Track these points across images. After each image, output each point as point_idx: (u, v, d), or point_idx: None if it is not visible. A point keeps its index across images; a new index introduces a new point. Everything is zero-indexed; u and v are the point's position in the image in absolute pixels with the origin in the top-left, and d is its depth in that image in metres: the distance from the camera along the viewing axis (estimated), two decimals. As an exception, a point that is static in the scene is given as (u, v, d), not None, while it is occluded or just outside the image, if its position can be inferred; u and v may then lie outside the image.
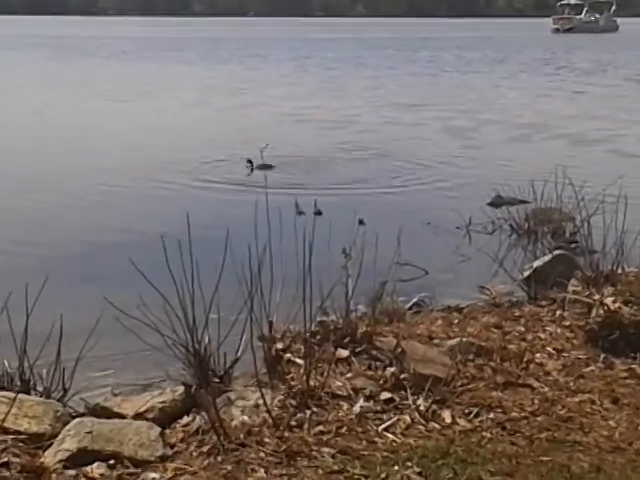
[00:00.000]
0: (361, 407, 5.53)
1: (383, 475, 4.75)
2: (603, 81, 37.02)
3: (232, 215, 11.23)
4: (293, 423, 5.29)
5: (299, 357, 6.11)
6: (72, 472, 4.77)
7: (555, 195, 10.53)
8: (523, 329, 7.09)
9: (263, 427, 5.24)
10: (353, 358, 6.15)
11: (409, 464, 4.85)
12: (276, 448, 5.02)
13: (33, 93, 30.37)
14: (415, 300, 8.21)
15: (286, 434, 5.17)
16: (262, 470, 4.82)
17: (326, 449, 5.04)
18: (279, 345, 6.24)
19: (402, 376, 5.84)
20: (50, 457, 4.89)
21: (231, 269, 5.95)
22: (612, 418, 5.56)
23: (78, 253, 10.23)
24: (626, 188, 8.96)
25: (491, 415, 5.54)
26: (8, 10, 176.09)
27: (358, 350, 6.23)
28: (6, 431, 4.98)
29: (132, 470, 4.83)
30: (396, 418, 5.44)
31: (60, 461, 4.84)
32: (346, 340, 6.30)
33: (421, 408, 5.52)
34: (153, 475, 4.79)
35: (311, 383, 5.64)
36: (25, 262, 9.57)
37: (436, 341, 6.67)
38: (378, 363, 6.10)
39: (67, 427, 5.13)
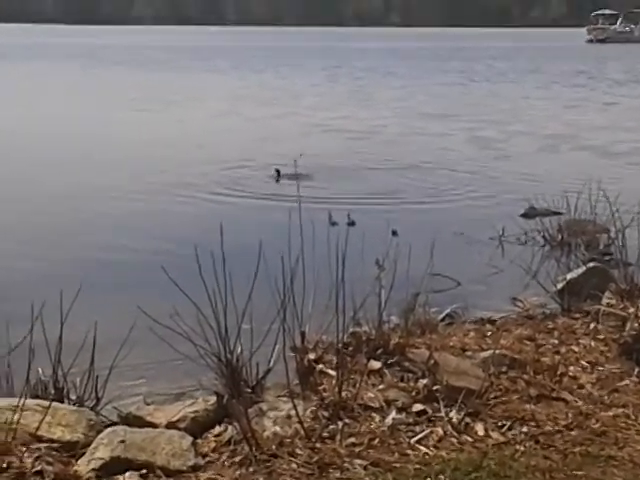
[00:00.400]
0: (393, 419, 5.51)
1: (415, 488, 4.74)
2: (635, 92, 36.79)
3: (264, 225, 11.26)
4: (325, 434, 5.28)
5: (331, 368, 6.10)
6: (105, 481, 4.78)
7: (589, 207, 10.46)
8: (557, 342, 7.03)
9: (295, 438, 5.23)
10: (385, 370, 6.13)
11: (441, 477, 4.83)
12: (308, 459, 5.01)
13: (55, 102, 30.63)
14: (447, 311, 8.18)
15: (318, 445, 5.16)
16: (294, 481, 4.82)
17: (358, 461, 5.02)
18: (311, 356, 6.23)
19: (435, 388, 5.81)
20: (83, 466, 4.90)
21: (264, 279, 5.95)
22: (647, 432, 5.51)
23: (111, 262, 10.28)
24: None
25: (524, 428, 5.50)
26: (42, 19, 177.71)
27: (390, 362, 6.21)
28: (40, 439, 5.00)
29: (164, 480, 4.84)
30: (429, 430, 5.41)
31: (93, 470, 4.85)
32: (379, 351, 6.29)
33: (454, 420, 5.49)
34: (185, 485, 4.80)
35: (343, 394, 5.63)
36: (59, 271, 9.64)
37: (469, 353, 6.64)
38: (410, 375, 6.08)
39: (100, 436, 5.15)
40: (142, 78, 43.93)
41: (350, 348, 6.33)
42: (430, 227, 11.29)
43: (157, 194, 14.25)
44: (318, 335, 6.43)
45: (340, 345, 6.01)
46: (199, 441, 5.32)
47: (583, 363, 6.58)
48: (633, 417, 5.69)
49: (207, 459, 5.12)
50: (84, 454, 5.01)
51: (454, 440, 5.32)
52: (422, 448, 5.21)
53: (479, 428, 5.47)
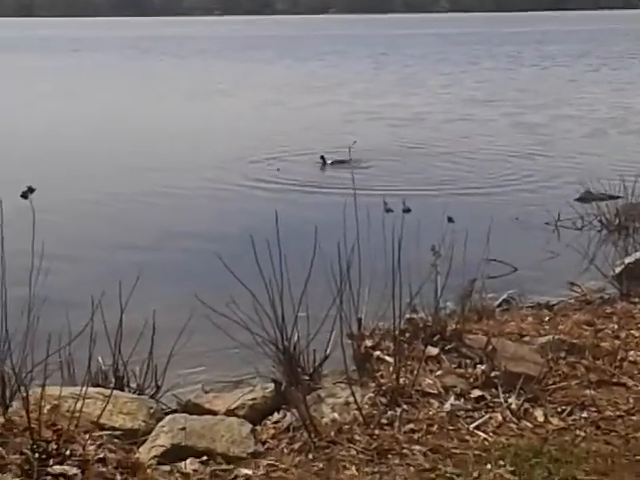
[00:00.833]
0: (452, 405, 5.49)
1: (475, 474, 4.71)
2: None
3: (318, 212, 11.29)
4: (384, 421, 5.29)
5: (388, 355, 6.10)
6: (166, 468, 4.83)
7: (646, 191, 10.34)
8: (616, 326, 6.96)
9: (354, 425, 5.24)
10: (443, 356, 6.11)
11: (502, 463, 4.80)
12: (367, 446, 5.01)
13: (105, 93, 30.90)
14: (504, 297, 8.13)
15: (377, 432, 5.17)
16: (353, 467, 4.83)
17: (417, 447, 5.02)
18: (368, 342, 6.23)
19: (493, 374, 5.78)
20: (145, 453, 4.96)
21: (320, 266, 5.95)
22: None
23: (168, 252, 10.37)
24: None
25: (584, 414, 5.46)
26: (93, 13, 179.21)
27: (448, 348, 6.19)
28: (102, 427, 5.06)
29: (225, 467, 4.87)
30: (487, 416, 5.39)
31: (154, 457, 4.90)
32: (435, 338, 6.27)
33: (513, 406, 5.46)
34: (245, 471, 4.83)
35: (401, 381, 5.62)
36: (117, 261, 9.74)
37: (526, 339, 6.60)
38: (468, 361, 6.06)
39: (161, 423, 5.20)
40: (188, 68, 44.19)
41: (407, 335, 6.31)
42: (485, 213, 11.19)
43: (210, 184, 14.34)
44: (375, 322, 6.42)
45: (397, 332, 6.00)
46: (258, 428, 5.35)
47: (643, 348, 6.50)
48: (695, 402, 5.62)
49: (266, 446, 5.15)
50: (145, 442, 5.07)
51: (513, 426, 5.30)
52: (481, 434, 5.19)
53: (538, 414, 5.43)
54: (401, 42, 69.70)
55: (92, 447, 4.82)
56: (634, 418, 5.39)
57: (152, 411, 5.45)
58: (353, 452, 4.96)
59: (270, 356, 5.89)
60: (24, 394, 4.92)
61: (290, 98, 28.06)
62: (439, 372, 5.92)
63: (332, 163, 15.48)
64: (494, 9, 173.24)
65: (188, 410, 5.55)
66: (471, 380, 5.81)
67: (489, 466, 4.78)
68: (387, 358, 6.08)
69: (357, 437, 5.11)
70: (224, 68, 44.17)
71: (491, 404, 5.54)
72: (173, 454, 4.93)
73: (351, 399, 5.41)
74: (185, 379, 6.42)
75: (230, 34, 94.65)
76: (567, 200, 12.02)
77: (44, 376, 5.03)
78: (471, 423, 5.31)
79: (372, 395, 5.57)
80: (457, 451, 4.98)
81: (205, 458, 4.93)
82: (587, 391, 5.72)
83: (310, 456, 4.96)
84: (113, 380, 5.85)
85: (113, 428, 5.15)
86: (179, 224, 11.77)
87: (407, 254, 6.09)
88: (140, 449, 5.01)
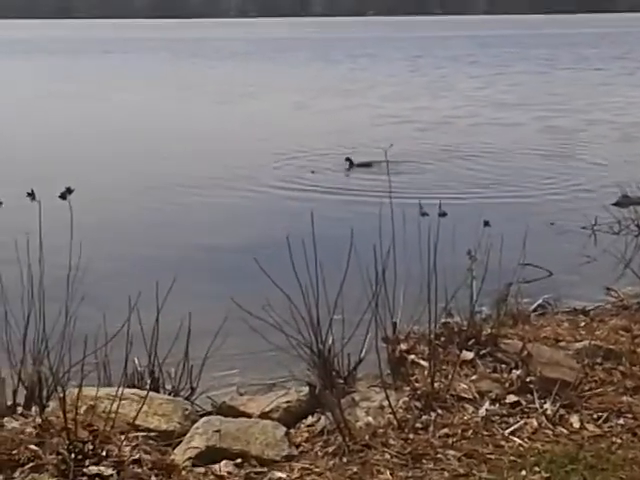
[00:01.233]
0: (487, 410, 5.47)
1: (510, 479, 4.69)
2: None
3: (353, 215, 11.28)
4: (418, 425, 5.28)
5: (423, 359, 6.08)
6: (201, 470, 4.85)
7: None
8: (653, 332, 6.90)
9: (388, 429, 5.24)
10: (478, 360, 6.09)
11: (537, 469, 4.78)
12: (401, 450, 5.00)
13: (130, 96, 31.09)
14: (540, 302, 8.08)
15: (411, 436, 5.16)
16: (388, 472, 4.82)
17: (452, 452, 5.00)
18: (403, 346, 6.22)
19: (528, 379, 5.75)
20: (180, 455, 4.98)
21: (355, 269, 5.95)
22: None
23: (204, 254, 10.41)
24: None
25: (621, 420, 5.41)
26: (131, 14, 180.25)
27: (483, 352, 6.17)
28: (137, 428, 5.08)
29: (259, 469, 4.89)
30: (523, 422, 5.36)
31: (189, 459, 4.93)
32: (471, 342, 6.24)
33: (548, 412, 5.43)
34: (280, 475, 4.84)
35: (436, 385, 5.60)
36: (154, 263, 9.80)
37: (562, 344, 6.56)
38: (503, 366, 6.03)
39: (195, 425, 5.23)
40: (219, 71, 44.42)
41: (442, 339, 6.30)
42: (521, 217, 11.17)
43: (242, 185, 14.40)
44: (410, 326, 6.41)
45: (432, 336, 5.99)
46: (292, 431, 5.36)
47: (681, 354, 6.43)
48: None
49: (300, 449, 5.16)
50: (180, 443, 5.10)
51: (549, 432, 5.26)
52: (516, 440, 5.16)
53: (574, 420, 5.39)
54: (436, 44, 69.49)
55: (127, 448, 4.85)
56: (671, 426, 5.34)
57: (187, 413, 5.47)
58: (387, 456, 4.95)
59: (305, 359, 5.89)
60: (61, 394, 4.95)
61: (319, 101, 28.10)
62: (474, 377, 5.89)
63: (358, 165, 15.56)
64: (531, 12, 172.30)
65: (223, 412, 5.57)
66: (506, 385, 5.78)
67: (524, 472, 4.75)
68: (422, 362, 6.07)
69: (391, 441, 5.10)
70: (255, 71, 44.28)
71: (526, 410, 5.51)
72: (208, 456, 4.95)
73: (385, 403, 5.41)
74: (220, 381, 6.44)
75: (264, 36, 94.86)
76: (603, 204, 11.93)
77: (81, 377, 5.08)
78: (506, 428, 5.29)
79: (406, 399, 5.56)
80: (492, 457, 4.95)
81: (239, 461, 4.94)
82: (624, 397, 5.67)
83: (344, 460, 4.95)
84: (149, 381, 5.87)
85: (148, 429, 5.18)
86: (214, 228, 11.82)
87: (443, 258, 6.08)
88: (175, 451, 5.04)
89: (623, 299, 8.03)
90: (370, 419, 5.37)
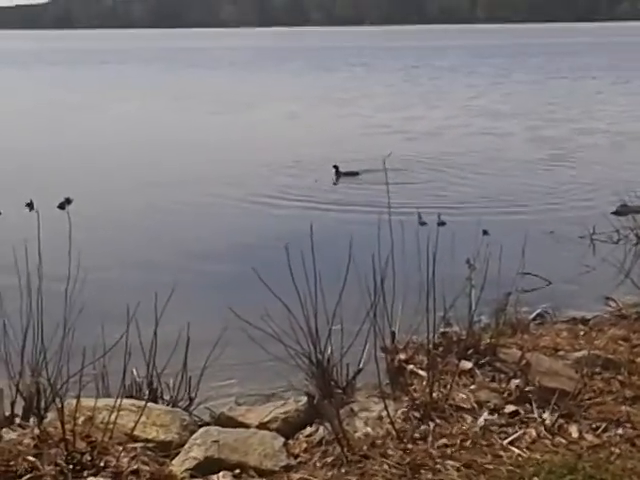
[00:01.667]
0: (485, 420, 5.46)
1: (509, 490, 4.69)
2: None
3: (351, 226, 11.25)
4: (417, 435, 5.27)
5: (422, 369, 6.08)
6: (199, 480, 4.84)
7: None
8: (652, 342, 6.89)
9: (387, 439, 5.22)
10: (477, 370, 6.08)
11: (535, 479, 4.76)
12: (400, 460, 4.99)
13: (124, 107, 31.12)
14: (539, 311, 8.09)
15: (410, 446, 5.14)
16: (386, 482, 4.81)
17: (450, 462, 4.99)
18: (402, 356, 6.22)
19: (527, 389, 5.75)
20: (178, 465, 4.97)
21: (354, 280, 5.94)
22: None
23: (202, 265, 10.39)
24: None
25: (620, 430, 5.40)
26: (131, 24, 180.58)
27: (482, 362, 6.16)
28: (135, 439, 5.08)
29: (257, 480, 4.88)
30: (521, 432, 5.35)
31: (187, 469, 4.92)
32: (469, 352, 6.24)
33: (547, 422, 5.42)
34: (278, 485, 4.83)
35: (434, 395, 5.59)
36: (152, 274, 9.79)
37: (561, 353, 6.56)
38: (502, 375, 6.02)
39: (194, 436, 5.21)
40: (214, 81, 44.51)
41: (441, 348, 6.30)
42: (520, 226, 11.15)
43: (238, 195, 14.40)
44: (408, 335, 6.41)
45: (431, 345, 5.98)
46: (290, 442, 5.35)
47: (680, 363, 6.43)
48: None
49: (299, 460, 5.15)
50: (178, 454, 5.09)
51: (547, 442, 5.25)
52: (515, 450, 5.15)
53: (573, 430, 5.38)
54: (432, 53, 69.61)
55: (125, 459, 4.85)
56: (670, 435, 5.33)
57: (185, 423, 5.46)
58: (386, 467, 4.94)
59: (303, 369, 5.89)
60: (59, 405, 4.95)
61: (313, 111, 28.18)
62: (473, 386, 5.89)
63: (345, 174, 15.75)
64: (529, 20, 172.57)
65: (221, 423, 5.56)
66: (505, 395, 5.77)
67: (523, 482, 4.74)
68: (420, 372, 6.07)
69: (390, 451, 5.09)
70: (251, 80, 44.39)
71: (525, 419, 5.50)
72: (206, 467, 4.94)
73: (384, 413, 5.40)
74: (218, 392, 6.44)
75: (262, 45, 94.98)
76: (602, 213, 11.94)
77: (79, 387, 5.08)
78: (505, 438, 5.28)
79: (405, 409, 5.55)
80: (490, 467, 4.94)
81: (238, 471, 4.93)
82: (622, 407, 5.67)
83: (343, 470, 4.94)
84: (147, 392, 5.87)
85: (146, 440, 5.17)
86: (213, 238, 11.81)
87: (441, 267, 6.07)
88: (173, 461, 5.03)
89: (622, 308, 8.02)
90: (369, 429, 5.37)
